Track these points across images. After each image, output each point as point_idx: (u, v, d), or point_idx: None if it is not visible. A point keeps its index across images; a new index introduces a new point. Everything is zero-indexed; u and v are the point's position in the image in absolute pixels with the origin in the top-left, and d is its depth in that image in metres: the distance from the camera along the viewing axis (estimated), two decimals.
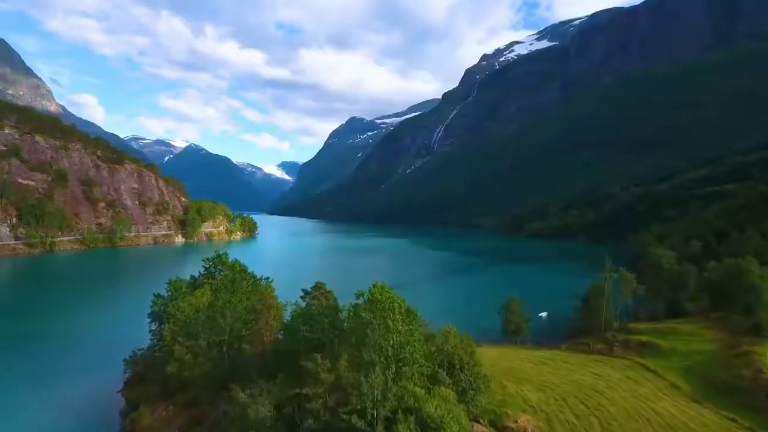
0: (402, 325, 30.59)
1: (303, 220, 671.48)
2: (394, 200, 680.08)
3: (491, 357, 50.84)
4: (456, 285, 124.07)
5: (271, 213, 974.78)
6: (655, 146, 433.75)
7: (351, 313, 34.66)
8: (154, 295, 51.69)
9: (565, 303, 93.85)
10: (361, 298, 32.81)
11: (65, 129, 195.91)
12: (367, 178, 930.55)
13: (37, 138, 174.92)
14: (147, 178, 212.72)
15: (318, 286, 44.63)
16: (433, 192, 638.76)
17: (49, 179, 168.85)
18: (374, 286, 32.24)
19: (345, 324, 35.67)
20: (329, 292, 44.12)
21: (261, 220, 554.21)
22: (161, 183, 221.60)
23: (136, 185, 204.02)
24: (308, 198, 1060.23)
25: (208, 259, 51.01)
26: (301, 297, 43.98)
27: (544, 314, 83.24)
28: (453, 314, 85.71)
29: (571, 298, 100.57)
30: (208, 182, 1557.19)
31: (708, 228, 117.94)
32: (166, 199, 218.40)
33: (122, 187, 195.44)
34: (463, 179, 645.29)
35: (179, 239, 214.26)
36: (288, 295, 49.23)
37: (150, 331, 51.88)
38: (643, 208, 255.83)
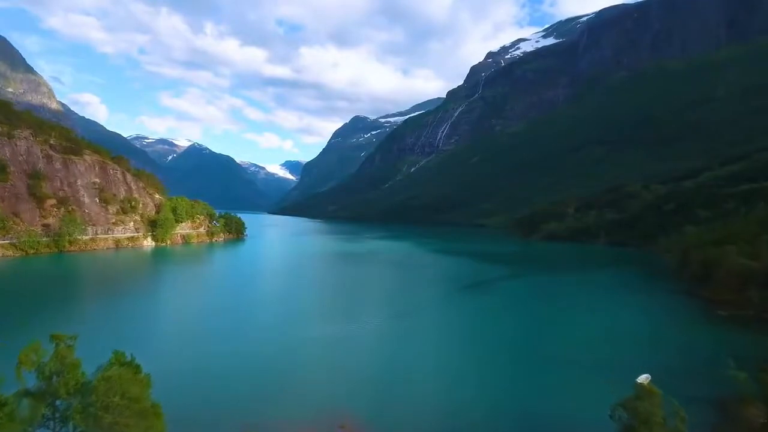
0: None
1: (305, 219, 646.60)
2: (397, 199, 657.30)
3: None
4: (477, 313, 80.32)
5: (274, 212, 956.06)
6: (670, 143, 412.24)
7: None
8: None
9: (649, 344, 61.63)
10: None
11: (13, 113, 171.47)
12: (370, 177, 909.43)
13: None
14: (112, 172, 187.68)
15: None
16: (437, 191, 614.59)
17: None
18: None
19: None
20: None
21: (261, 219, 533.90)
22: (129, 177, 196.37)
23: (97, 180, 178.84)
24: (311, 197, 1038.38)
25: None
26: None
27: (646, 378, 47.46)
28: (484, 383, 46.76)
29: (652, 334, 66.52)
30: (212, 181, 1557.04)
31: None
32: (135, 195, 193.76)
33: (79, 182, 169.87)
34: (468, 178, 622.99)
35: (148, 242, 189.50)
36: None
37: None
38: (672, 207, 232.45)
